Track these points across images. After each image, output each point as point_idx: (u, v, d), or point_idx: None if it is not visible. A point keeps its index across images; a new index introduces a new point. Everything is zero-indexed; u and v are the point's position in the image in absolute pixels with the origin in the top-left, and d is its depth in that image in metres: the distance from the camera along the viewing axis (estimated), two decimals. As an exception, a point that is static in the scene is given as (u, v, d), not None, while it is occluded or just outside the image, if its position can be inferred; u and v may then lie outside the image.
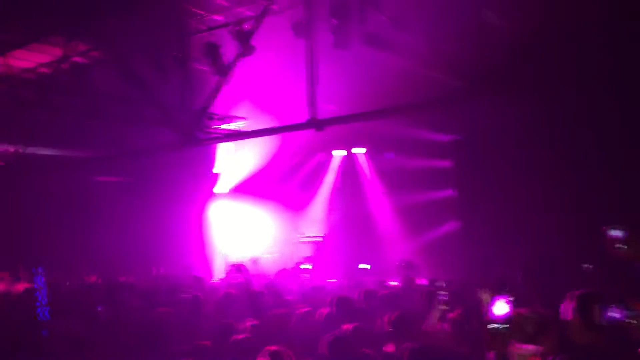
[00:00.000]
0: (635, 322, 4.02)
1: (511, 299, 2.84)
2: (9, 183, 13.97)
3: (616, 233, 6.48)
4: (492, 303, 2.88)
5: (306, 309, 7.95)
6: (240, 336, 5.96)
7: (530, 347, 4.02)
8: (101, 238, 15.12)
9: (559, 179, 12.33)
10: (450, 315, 6.41)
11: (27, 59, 11.26)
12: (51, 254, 10.37)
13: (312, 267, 15.96)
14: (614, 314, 4.01)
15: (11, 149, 13.57)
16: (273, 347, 5.05)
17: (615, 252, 6.49)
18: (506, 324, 2.82)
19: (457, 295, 7.78)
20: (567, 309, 4.13)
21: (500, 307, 2.86)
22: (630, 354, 3.90)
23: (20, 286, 10.02)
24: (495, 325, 2.85)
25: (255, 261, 14.74)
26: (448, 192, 15.13)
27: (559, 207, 12.28)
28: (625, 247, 6.45)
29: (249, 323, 6.69)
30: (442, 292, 5.71)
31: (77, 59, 10.87)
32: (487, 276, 7.23)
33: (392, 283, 10.87)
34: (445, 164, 15.08)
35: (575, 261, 10.00)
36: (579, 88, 9.55)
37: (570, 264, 10.53)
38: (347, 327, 6.18)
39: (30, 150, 13.49)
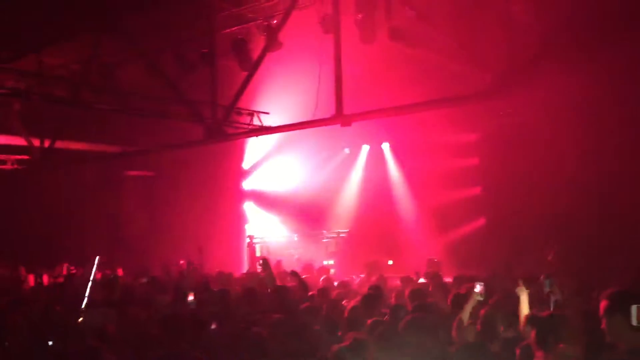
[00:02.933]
0: None
1: None
2: (37, 177, 14.19)
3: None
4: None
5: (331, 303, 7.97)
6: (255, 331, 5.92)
7: (568, 349, 3.91)
8: (131, 232, 15.31)
9: (583, 174, 12.17)
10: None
11: (58, 57, 11.44)
12: (82, 247, 10.52)
13: (337, 263, 15.92)
14: None
15: (39, 143, 13.74)
16: None
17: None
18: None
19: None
20: (602, 309, 3.90)
21: None
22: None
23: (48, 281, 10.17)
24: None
25: (279, 262, 14.66)
26: (473, 189, 15.06)
27: (584, 202, 12.16)
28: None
29: (271, 317, 6.69)
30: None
31: (107, 58, 11.02)
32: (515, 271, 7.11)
33: (420, 280, 10.78)
34: (471, 161, 15.01)
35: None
36: (607, 82, 9.39)
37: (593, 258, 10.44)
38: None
39: (60, 145, 13.64)
